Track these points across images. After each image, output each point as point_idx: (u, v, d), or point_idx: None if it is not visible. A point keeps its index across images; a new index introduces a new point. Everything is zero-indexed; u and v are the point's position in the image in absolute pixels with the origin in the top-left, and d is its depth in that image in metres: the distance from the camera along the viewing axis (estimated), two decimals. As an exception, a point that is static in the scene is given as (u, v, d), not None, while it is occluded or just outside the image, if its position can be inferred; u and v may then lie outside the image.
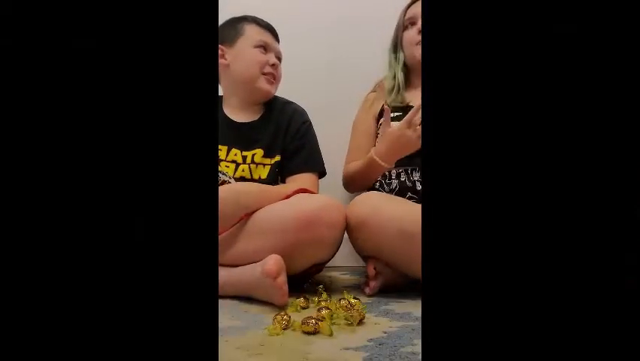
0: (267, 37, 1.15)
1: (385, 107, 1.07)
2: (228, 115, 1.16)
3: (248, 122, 1.14)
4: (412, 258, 0.87)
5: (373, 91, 1.32)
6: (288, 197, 0.96)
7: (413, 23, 1.25)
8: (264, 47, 1.14)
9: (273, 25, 1.17)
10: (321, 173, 1.15)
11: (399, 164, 1.07)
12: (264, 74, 1.13)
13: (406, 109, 1.13)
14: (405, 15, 1.27)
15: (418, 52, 1.22)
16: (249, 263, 0.89)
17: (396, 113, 1.16)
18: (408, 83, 1.27)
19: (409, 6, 1.27)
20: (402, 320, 0.75)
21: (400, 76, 1.26)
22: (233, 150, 1.11)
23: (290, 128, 1.13)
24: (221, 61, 1.13)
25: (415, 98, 1.22)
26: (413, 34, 1.24)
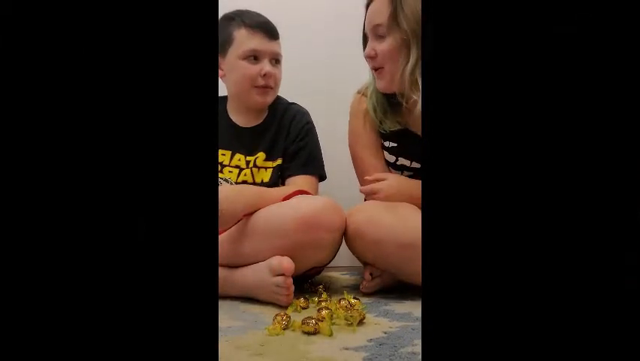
0: (257, 41, 1.05)
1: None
2: (233, 119, 1.14)
3: (251, 127, 1.13)
4: (411, 268, 0.86)
5: (359, 93, 1.11)
6: (286, 198, 0.95)
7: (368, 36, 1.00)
8: (254, 56, 1.05)
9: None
10: (321, 176, 1.14)
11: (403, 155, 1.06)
12: (255, 86, 1.06)
13: (402, 135, 1.04)
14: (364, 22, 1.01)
15: (379, 82, 1.00)
16: (247, 263, 0.89)
17: (391, 144, 1.06)
18: (393, 104, 1.04)
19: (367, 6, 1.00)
20: (402, 320, 0.75)
21: (380, 98, 1.04)
22: (237, 155, 1.11)
23: (291, 131, 1.12)
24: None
25: (409, 118, 1.03)
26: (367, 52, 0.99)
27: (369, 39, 0.99)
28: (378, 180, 0.99)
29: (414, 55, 0.93)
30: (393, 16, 0.93)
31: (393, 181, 0.99)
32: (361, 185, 1.10)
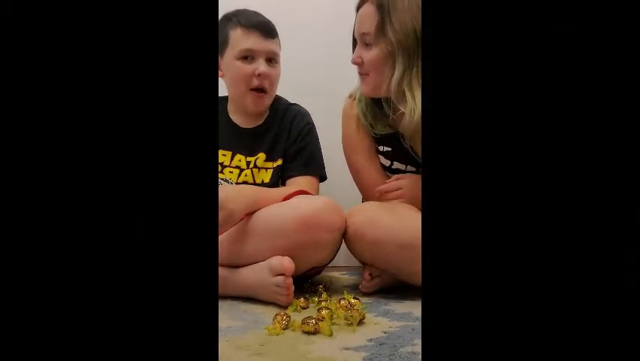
0: (252, 40, 1.05)
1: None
2: (233, 120, 1.14)
3: (252, 128, 1.13)
4: (411, 268, 0.86)
5: (351, 97, 1.10)
6: (287, 198, 0.96)
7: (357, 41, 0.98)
8: (249, 56, 1.05)
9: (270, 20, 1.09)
10: (322, 177, 1.14)
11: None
12: (251, 89, 1.06)
13: (396, 139, 1.03)
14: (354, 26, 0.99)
15: (363, 87, 0.99)
16: (247, 264, 0.89)
17: (385, 148, 1.06)
18: (382, 109, 1.01)
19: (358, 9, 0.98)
20: (402, 320, 0.75)
21: (369, 103, 1.04)
22: (238, 156, 1.11)
23: (292, 131, 1.12)
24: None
25: (398, 125, 0.98)
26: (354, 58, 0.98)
27: (357, 45, 0.98)
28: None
29: (400, 67, 0.91)
30: (380, 26, 0.91)
31: (415, 181, 0.98)
32: (359, 189, 1.11)
